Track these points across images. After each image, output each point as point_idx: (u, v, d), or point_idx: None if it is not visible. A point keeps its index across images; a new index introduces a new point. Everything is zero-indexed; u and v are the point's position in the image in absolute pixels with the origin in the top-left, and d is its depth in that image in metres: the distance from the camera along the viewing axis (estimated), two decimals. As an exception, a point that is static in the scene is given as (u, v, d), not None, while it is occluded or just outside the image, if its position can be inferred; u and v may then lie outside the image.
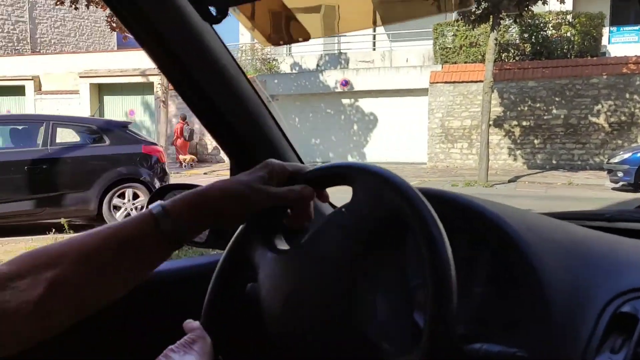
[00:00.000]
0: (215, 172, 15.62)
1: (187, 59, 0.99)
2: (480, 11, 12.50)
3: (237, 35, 21.30)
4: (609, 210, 1.20)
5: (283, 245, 0.80)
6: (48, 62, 21.90)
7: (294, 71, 19.22)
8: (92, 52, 23.21)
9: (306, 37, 1.05)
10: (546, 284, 0.67)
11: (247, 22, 1.05)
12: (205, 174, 15.39)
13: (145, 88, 20.01)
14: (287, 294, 0.73)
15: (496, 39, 12.82)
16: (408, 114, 17.25)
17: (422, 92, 16.74)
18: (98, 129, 7.93)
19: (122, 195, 7.80)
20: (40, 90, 21.71)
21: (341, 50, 19.72)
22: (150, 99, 20.10)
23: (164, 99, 16.19)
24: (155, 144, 8.48)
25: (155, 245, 0.67)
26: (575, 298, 0.69)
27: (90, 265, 0.63)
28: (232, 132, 1.09)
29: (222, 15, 0.95)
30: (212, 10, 0.95)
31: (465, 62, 16.74)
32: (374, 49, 19.78)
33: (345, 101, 18.02)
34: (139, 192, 7.86)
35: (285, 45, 22.28)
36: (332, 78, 17.78)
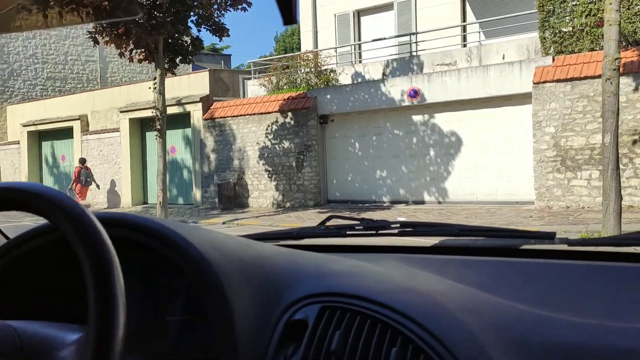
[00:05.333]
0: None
1: None
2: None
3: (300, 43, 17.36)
4: (294, 229, 1.39)
5: None
6: (95, 99, 19.59)
7: (356, 82, 14.69)
8: (134, 82, 20.46)
9: None
10: (231, 301, 0.70)
11: None
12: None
13: (185, 120, 16.65)
14: None
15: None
16: (504, 130, 11.92)
17: (524, 98, 11.40)
18: None
19: None
20: (88, 130, 19.41)
21: (414, 53, 14.83)
22: (189, 132, 16.69)
23: (159, 127, 12.61)
24: None
25: None
26: (258, 312, 0.73)
27: None
28: None
29: None
30: None
31: (592, 50, 11.14)
32: (464, 45, 14.65)
33: (417, 118, 13.09)
34: None
35: (351, 54, 17.91)
36: (397, 88, 13.01)
